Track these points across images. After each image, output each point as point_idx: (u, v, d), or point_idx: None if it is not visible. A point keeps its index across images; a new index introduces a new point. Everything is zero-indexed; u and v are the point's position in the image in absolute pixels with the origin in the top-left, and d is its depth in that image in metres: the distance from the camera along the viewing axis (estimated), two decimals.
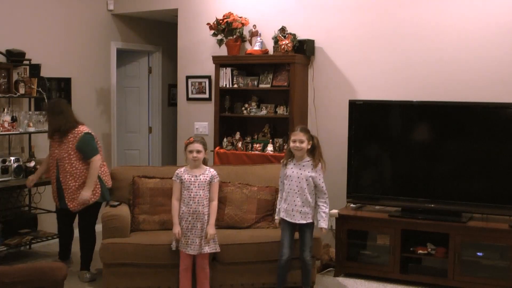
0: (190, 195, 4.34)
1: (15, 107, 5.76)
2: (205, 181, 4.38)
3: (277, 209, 4.60)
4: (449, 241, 4.79)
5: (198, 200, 4.33)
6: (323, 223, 4.46)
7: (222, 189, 4.98)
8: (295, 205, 4.41)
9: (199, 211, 4.32)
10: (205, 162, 4.49)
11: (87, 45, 6.62)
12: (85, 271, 5.07)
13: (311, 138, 4.48)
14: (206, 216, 4.36)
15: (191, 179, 4.36)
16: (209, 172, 4.44)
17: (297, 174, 4.44)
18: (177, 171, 4.44)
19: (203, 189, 4.36)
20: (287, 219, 4.44)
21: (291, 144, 4.46)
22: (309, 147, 4.46)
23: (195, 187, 4.35)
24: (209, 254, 4.42)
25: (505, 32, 4.99)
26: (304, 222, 4.42)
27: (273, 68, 5.74)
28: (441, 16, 5.23)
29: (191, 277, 4.41)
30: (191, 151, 4.37)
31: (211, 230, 4.38)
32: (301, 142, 4.42)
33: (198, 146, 4.38)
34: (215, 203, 4.45)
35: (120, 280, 4.53)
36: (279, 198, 4.60)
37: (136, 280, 4.52)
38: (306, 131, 4.49)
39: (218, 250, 4.44)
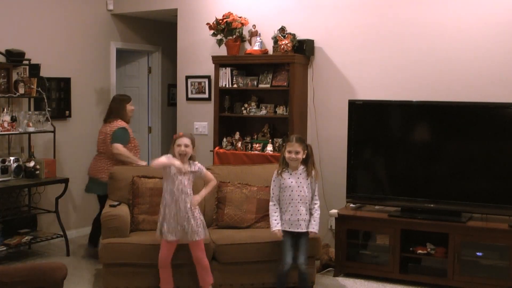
0: (175, 182, 4.32)
1: (14, 107, 5.76)
2: (191, 172, 4.37)
3: (275, 219, 4.46)
4: (448, 241, 4.80)
5: (181, 189, 4.31)
6: (316, 227, 4.49)
7: (221, 189, 4.98)
8: (300, 214, 4.40)
9: (182, 199, 4.31)
10: (193, 159, 4.46)
11: (87, 45, 6.62)
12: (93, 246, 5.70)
13: (305, 147, 4.47)
14: (189, 205, 4.33)
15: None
16: (195, 165, 4.43)
17: (297, 183, 4.43)
18: (169, 154, 4.38)
19: (188, 179, 4.35)
20: (292, 229, 4.42)
21: (287, 155, 4.43)
22: (304, 156, 4.45)
23: (181, 175, 4.32)
24: (203, 244, 4.39)
25: (505, 32, 4.99)
26: (306, 229, 4.44)
27: (273, 68, 5.74)
28: (441, 16, 5.23)
29: (171, 271, 4.39)
30: (179, 145, 4.34)
31: (197, 197, 4.39)
32: (297, 153, 4.40)
33: (186, 140, 4.36)
34: (213, 183, 4.54)
35: (119, 280, 4.53)
36: (273, 208, 4.50)
37: (136, 280, 4.53)
38: (301, 141, 4.47)
39: (207, 235, 4.44)
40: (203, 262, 4.40)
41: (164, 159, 4.31)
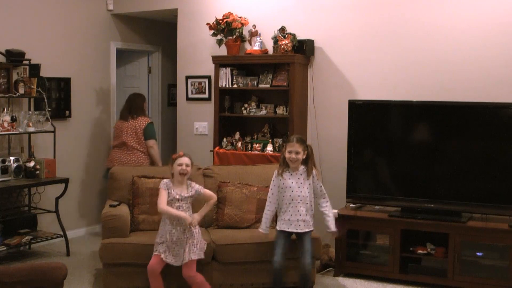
0: (173, 208, 4.27)
1: (14, 107, 5.76)
2: (189, 196, 4.33)
3: (264, 220, 4.50)
4: (448, 241, 4.79)
5: None
6: (333, 227, 4.52)
7: (222, 189, 4.98)
8: (300, 215, 4.39)
9: (181, 224, 4.26)
10: (190, 179, 4.44)
11: (87, 45, 6.61)
12: None
13: (306, 148, 4.46)
14: (189, 228, 4.28)
15: (175, 196, 4.29)
16: (193, 187, 4.37)
17: (297, 184, 4.42)
18: (165, 181, 4.35)
19: (186, 203, 4.31)
20: (290, 230, 4.41)
21: (287, 155, 4.42)
22: (304, 157, 4.45)
23: (178, 202, 4.29)
24: (195, 265, 4.32)
25: (505, 32, 4.99)
26: (307, 230, 4.43)
27: (273, 68, 5.74)
28: (441, 16, 5.23)
29: (161, 279, 4.32)
30: (180, 164, 4.29)
31: (197, 216, 4.34)
32: (297, 153, 4.40)
33: (187, 160, 4.32)
34: (213, 201, 4.48)
35: (120, 280, 4.53)
36: (269, 210, 4.50)
37: (136, 280, 4.53)
38: (302, 141, 4.46)
39: (203, 257, 4.37)
40: (196, 280, 4.32)
41: (171, 210, 4.27)
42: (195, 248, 4.30)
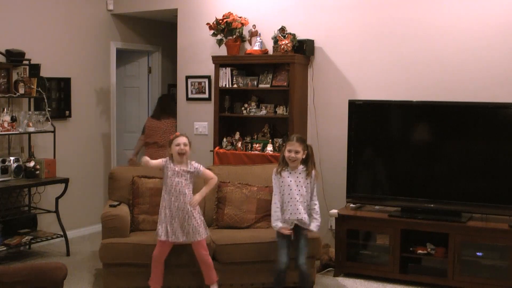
0: (172, 183, 4.34)
1: (14, 107, 5.76)
2: (188, 172, 4.39)
3: (277, 218, 4.44)
4: (448, 241, 4.79)
5: (179, 189, 4.33)
6: (315, 227, 4.48)
7: (221, 189, 4.98)
8: (299, 213, 4.39)
9: (180, 199, 4.33)
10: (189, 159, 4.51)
11: (87, 45, 6.62)
12: None
13: (306, 147, 4.46)
14: (188, 206, 4.34)
15: (175, 169, 4.37)
16: (192, 164, 4.44)
17: (296, 182, 4.42)
18: (166, 159, 4.45)
19: (185, 179, 4.37)
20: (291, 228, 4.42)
21: (287, 154, 4.42)
22: (303, 156, 4.44)
23: (178, 177, 4.35)
24: (205, 243, 4.41)
25: (505, 32, 4.99)
26: (305, 228, 4.43)
27: (273, 68, 5.74)
28: (441, 16, 5.23)
29: (163, 269, 4.40)
30: (178, 144, 4.37)
31: (197, 196, 4.41)
32: (297, 152, 4.39)
33: (184, 139, 4.41)
34: (213, 180, 4.52)
35: (120, 280, 4.53)
36: (274, 206, 4.47)
37: (136, 280, 4.53)
38: (302, 141, 4.46)
39: (208, 234, 4.47)
40: (207, 260, 4.41)
41: (151, 161, 4.45)
42: (200, 228, 4.38)
